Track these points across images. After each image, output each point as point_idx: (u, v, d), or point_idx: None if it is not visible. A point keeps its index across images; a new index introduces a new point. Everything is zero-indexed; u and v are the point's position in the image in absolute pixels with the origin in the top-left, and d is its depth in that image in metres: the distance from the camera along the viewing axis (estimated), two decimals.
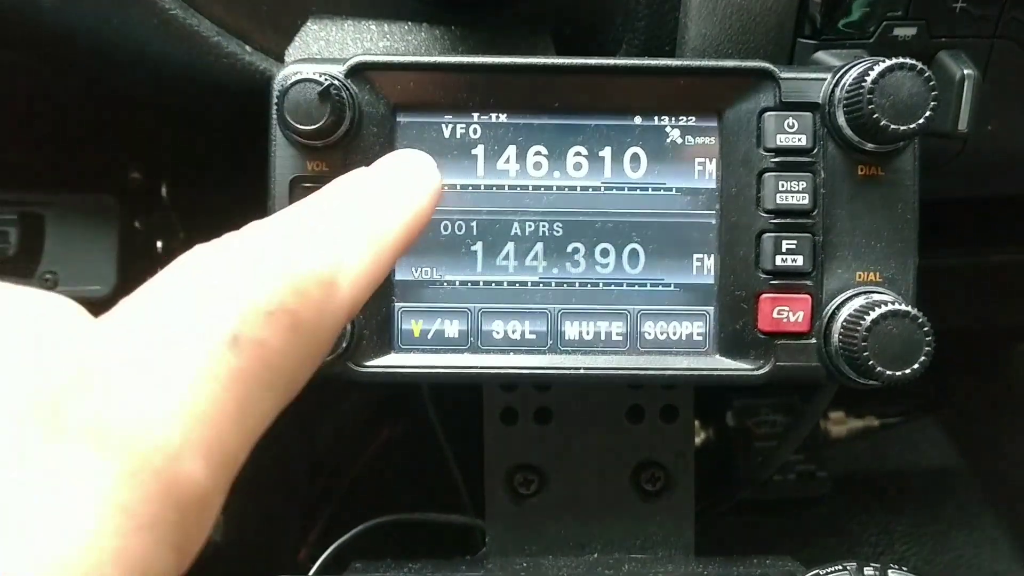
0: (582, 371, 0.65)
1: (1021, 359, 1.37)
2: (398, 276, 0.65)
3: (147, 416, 0.32)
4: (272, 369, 0.36)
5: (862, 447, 1.40)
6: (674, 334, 0.65)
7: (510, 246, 0.65)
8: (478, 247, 0.65)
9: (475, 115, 0.64)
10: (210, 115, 0.82)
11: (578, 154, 0.65)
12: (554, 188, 0.65)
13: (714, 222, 0.65)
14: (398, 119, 0.64)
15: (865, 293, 0.63)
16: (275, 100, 0.61)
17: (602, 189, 0.65)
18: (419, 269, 0.65)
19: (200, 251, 0.38)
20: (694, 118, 0.65)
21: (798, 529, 1.32)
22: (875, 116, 0.58)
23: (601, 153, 0.65)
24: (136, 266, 0.92)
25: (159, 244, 0.96)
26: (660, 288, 0.65)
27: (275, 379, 0.36)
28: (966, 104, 0.66)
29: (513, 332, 0.65)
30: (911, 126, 0.59)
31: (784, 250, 0.63)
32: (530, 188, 0.65)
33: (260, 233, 0.40)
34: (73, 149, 0.92)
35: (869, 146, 0.62)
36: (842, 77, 0.61)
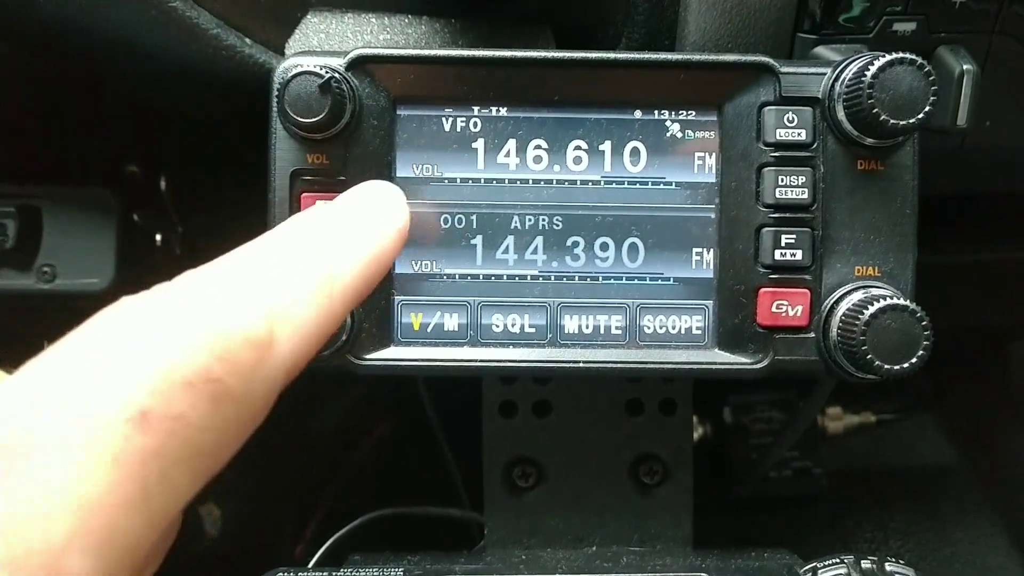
0: (581, 364, 0.65)
1: (1017, 356, 1.37)
2: (398, 269, 0.65)
3: (25, 508, 0.28)
4: (190, 446, 0.31)
5: (858, 443, 1.40)
6: (673, 328, 0.66)
7: (510, 240, 0.65)
8: (478, 240, 0.65)
9: (475, 108, 0.64)
10: (209, 108, 0.82)
11: (578, 148, 0.65)
12: (554, 182, 0.65)
13: (713, 216, 0.65)
14: (398, 112, 0.64)
15: (864, 287, 0.63)
16: (275, 93, 0.61)
17: (602, 183, 0.65)
18: (419, 262, 0.65)
19: (122, 305, 0.34)
20: (694, 112, 0.65)
21: (794, 525, 1.32)
22: (875, 111, 0.59)
23: (601, 147, 0.65)
24: (134, 260, 0.92)
25: (158, 238, 0.96)
26: (659, 282, 0.65)
27: (194, 456, 0.31)
28: (965, 99, 0.66)
29: (512, 325, 0.65)
30: (911, 121, 0.59)
31: (783, 244, 0.63)
32: (530, 182, 0.65)
33: (188, 284, 0.35)
34: (71, 142, 0.92)
35: (869, 141, 0.62)
36: (842, 72, 0.62)
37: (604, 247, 0.65)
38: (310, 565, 0.78)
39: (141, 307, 0.34)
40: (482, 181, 0.65)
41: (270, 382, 0.35)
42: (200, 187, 1.00)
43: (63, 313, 0.95)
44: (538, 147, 0.65)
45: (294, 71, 0.60)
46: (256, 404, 0.34)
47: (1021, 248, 1.11)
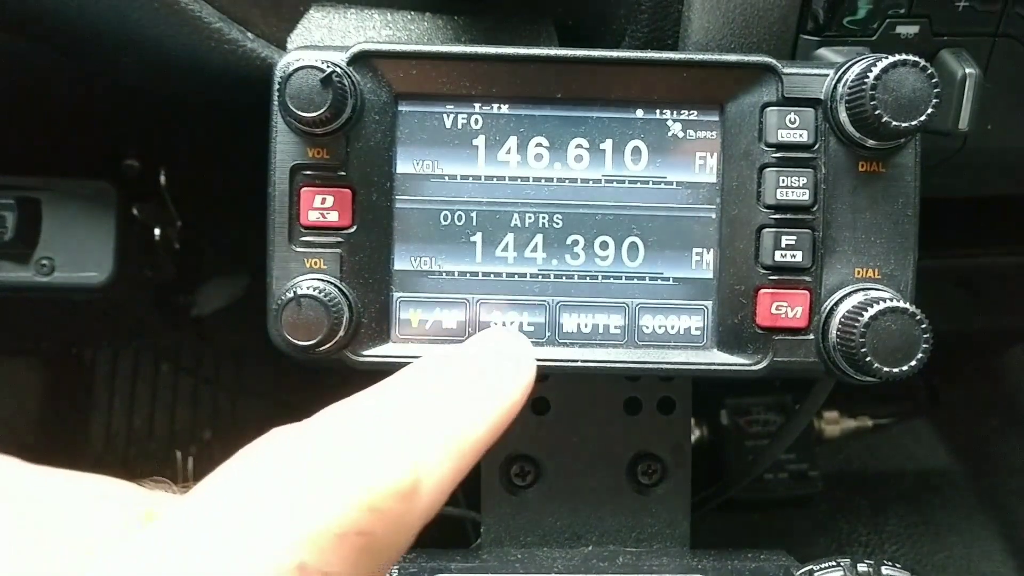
0: (580, 363, 0.65)
1: (1013, 362, 1.37)
2: (396, 265, 0.65)
3: None
4: None
5: (854, 447, 1.40)
6: (672, 328, 0.65)
7: (509, 237, 0.65)
8: (477, 238, 0.65)
9: (477, 105, 0.64)
10: (209, 102, 0.82)
11: (579, 146, 0.65)
12: (554, 180, 0.65)
13: (714, 216, 0.65)
14: (400, 108, 0.64)
15: (864, 289, 0.63)
16: (277, 87, 0.61)
17: (603, 182, 0.65)
18: (418, 259, 0.65)
19: (279, 446, 0.35)
20: (696, 112, 0.65)
21: (789, 528, 1.32)
22: (877, 112, 0.58)
23: (602, 145, 0.65)
24: (133, 253, 0.92)
25: (156, 231, 0.96)
26: (659, 282, 0.65)
27: None
28: (967, 103, 0.66)
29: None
30: (913, 123, 0.59)
31: (784, 245, 0.63)
32: (530, 179, 0.65)
33: (343, 429, 0.36)
34: (71, 135, 0.92)
35: (870, 142, 0.62)
36: (845, 73, 0.62)
37: (604, 246, 0.65)
38: None
39: (299, 453, 0.35)
40: (482, 178, 0.65)
41: (412, 529, 0.36)
42: (200, 181, 1.00)
43: (61, 306, 0.95)
44: (539, 145, 0.65)
45: (296, 65, 0.59)
46: (397, 551, 0.35)
47: (1019, 253, 1.12)
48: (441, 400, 0.40)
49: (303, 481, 0.33)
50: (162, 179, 0.96)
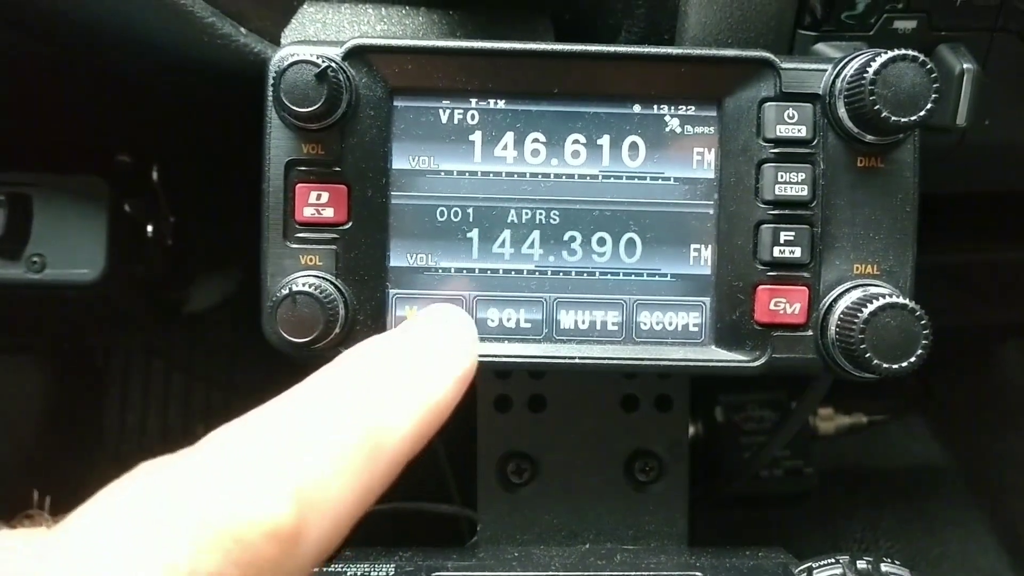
0: (577, 360, 0.64)
1: (1007, 358, 1.37)
2: (392, 262, 0.64)
3: None
4: None
5: (849, 444, 1.40)
6: (670, 324, 0.65)
7: (506, 233, 0.64)
8: (474, 234, 0.64)
9: (473, 100, 0.64)
10: (202, 98, 0.81)
11: (576, 142, 0.64)
12: (551, 176, 0.64)
13: (712, 212, 0.64)
14: (395, 103, 0.63)
15: (863, 285, 0.62)
16: (271, 81, 0.60)
17: (600, 177, 0.64)
18: (414, 255, 0.64)
19: (135, 483, 0.29)
20: (694, 107, 0.64)
21: (784, 525, 1.32)
22: (876, 107, 0.58)
23: (599, 141, 0.64)
24: (125, 250, 0.91)
25: (149, 228, 0.95)
26: (656, 278, 0.65)
27: None
28: (965, 98, 0.66)
29: (508, 320, 0.65)
30: (912, 118, 0.58)
31: (782, 241, 0.63)
32: (527, 175, 0.64)
33: (213, 455, 0.29)
34: (63, 129, 0.91)
35: (869, 138, 0.62)
36: (843, 68, 0.61)
37: (601, 242, 0.65)
38: None
39: (157, 490, 0.28)
40: (479, 174, 0.64)
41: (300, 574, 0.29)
42: (193, 177, 1.00)
43: (53, 303, 0.94)
44: (536, 140, 0.64)
45: (290, 60, 0.59)
46: None
47: (1011, 248, 1.12)
48: (344, 405, 0.32)
49: (155, 522, 0.27)
50: (154, 175, 0.95)
